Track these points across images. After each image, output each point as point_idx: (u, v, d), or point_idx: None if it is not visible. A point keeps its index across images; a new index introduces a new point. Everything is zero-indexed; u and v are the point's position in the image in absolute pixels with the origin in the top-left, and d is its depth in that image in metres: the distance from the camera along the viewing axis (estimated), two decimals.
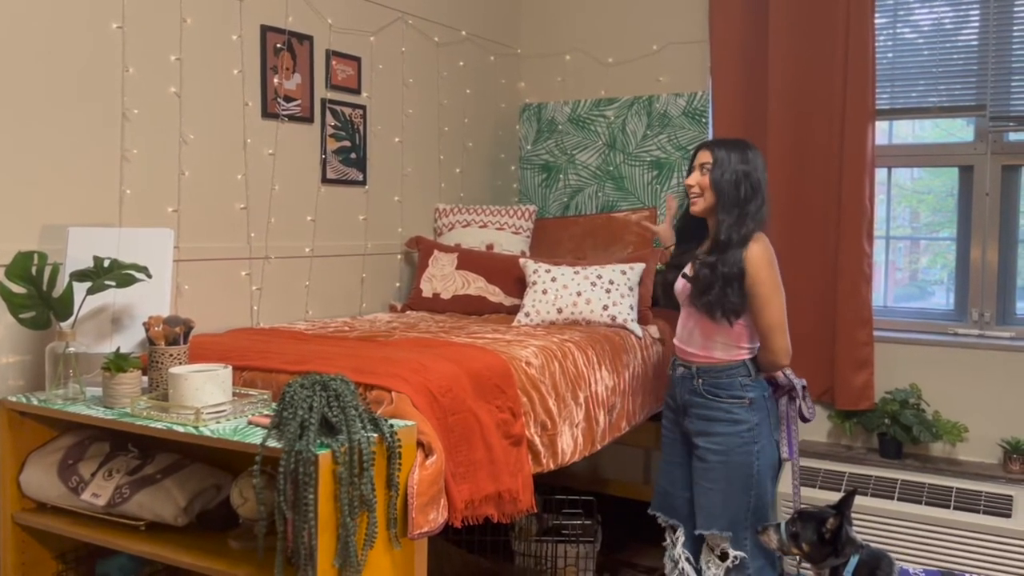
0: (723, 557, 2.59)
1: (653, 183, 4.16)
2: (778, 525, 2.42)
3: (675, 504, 2.75)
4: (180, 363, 2.19)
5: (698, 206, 2.63)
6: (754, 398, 2.57)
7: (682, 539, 2.73)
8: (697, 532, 2.63)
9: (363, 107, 3.54)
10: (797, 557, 2.54)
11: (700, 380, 2.61)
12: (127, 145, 2.68)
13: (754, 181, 2.56)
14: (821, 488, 3.39)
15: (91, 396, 2.25)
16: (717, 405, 2.58)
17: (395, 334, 2.86)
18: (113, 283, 2.26)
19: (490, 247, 3.81)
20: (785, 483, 3.30)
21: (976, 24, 3.52)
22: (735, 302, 2.52)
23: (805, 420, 2.79)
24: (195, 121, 2.88)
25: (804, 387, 2.75)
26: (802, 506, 2.61)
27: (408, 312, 3.57)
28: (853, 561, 2.35)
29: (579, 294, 3.21)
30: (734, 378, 2.58)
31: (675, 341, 2.74)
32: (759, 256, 2.51)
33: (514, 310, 3.41)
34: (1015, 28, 3.44)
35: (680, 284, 2.68)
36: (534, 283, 3.30)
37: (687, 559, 2.72)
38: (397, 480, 1.89)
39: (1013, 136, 3.53)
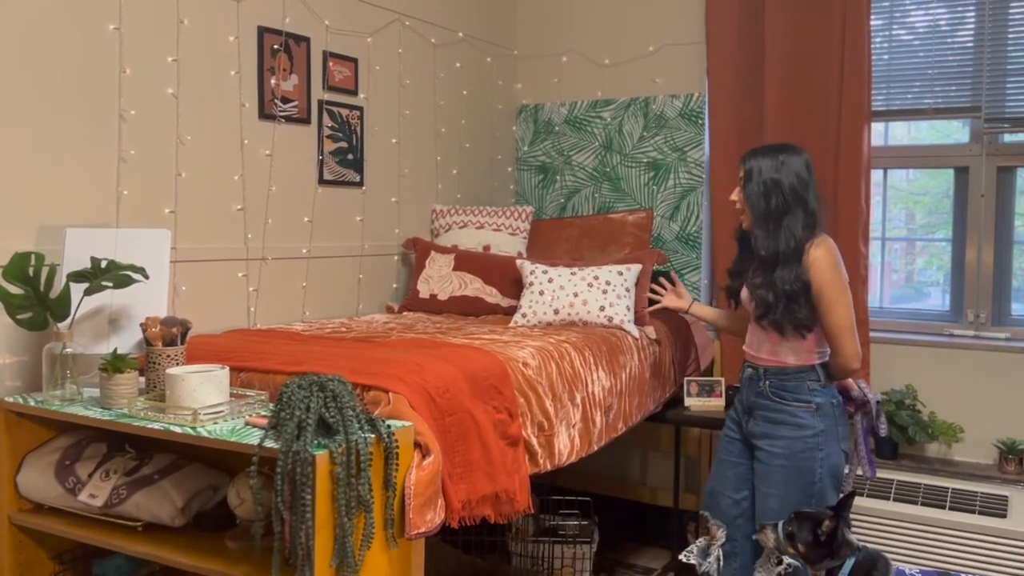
0: (778, 563, 2.54)
1: (650, 184, 4.16)
2: (775, 524, 2.42)
3: (721, 504, 2.69)
4: (177, 364, 2.19)
5: (745, 222, 2.59)
6: (821, 404, 2.50)
7: (721, 540, 2.67)
8: (754, 537, 2.54)
9: (360, 108, 3.55)
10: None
11: (767, 382, 2.55)
12: (124, 146, 2.68)
13: (787, 189, 2.48)
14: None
15: (88, 397, 2.26)
16: (783, 408, 2.52)
17: (392, 335, 2.87)
18: (110, 284, 2.27)
19: (487, 248, 3.82)
20: None
21: (971, 26, 3.54)
22: (802, 317, 2.47)
23: (877, 436, 2.73)
24: (192, 122, 2.88)
25: (879, 402, 2.69)
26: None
27: (405, 313, 3.57)
28: (849, 563, 2.35)
29: (576, 295, 3.21)
30: (802, 381, 2.52)
31: (744, 347, 2.68)
32: (821, 260, 2.45)
33: (511, 311, 3.41)
34: (1010, 30, 3.45)
35: (746, 294, 2.63)
36: (531, 284, 3.30)
37: (718, 559, 2.66)
38: (394, 480, 1.90)
39: (1008, 138, 3.54)
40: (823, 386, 2.52)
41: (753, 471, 2.63)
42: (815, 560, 2.36)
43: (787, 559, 2.52)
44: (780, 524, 2.40)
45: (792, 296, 2.46)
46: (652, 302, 3.13)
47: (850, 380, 2.63)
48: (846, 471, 2.69)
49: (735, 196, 2.60)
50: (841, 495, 2.50)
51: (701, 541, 2.77)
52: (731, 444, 2.71)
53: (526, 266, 3.39)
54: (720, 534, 2.68)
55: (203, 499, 2.21)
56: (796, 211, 2.49)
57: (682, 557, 2.78)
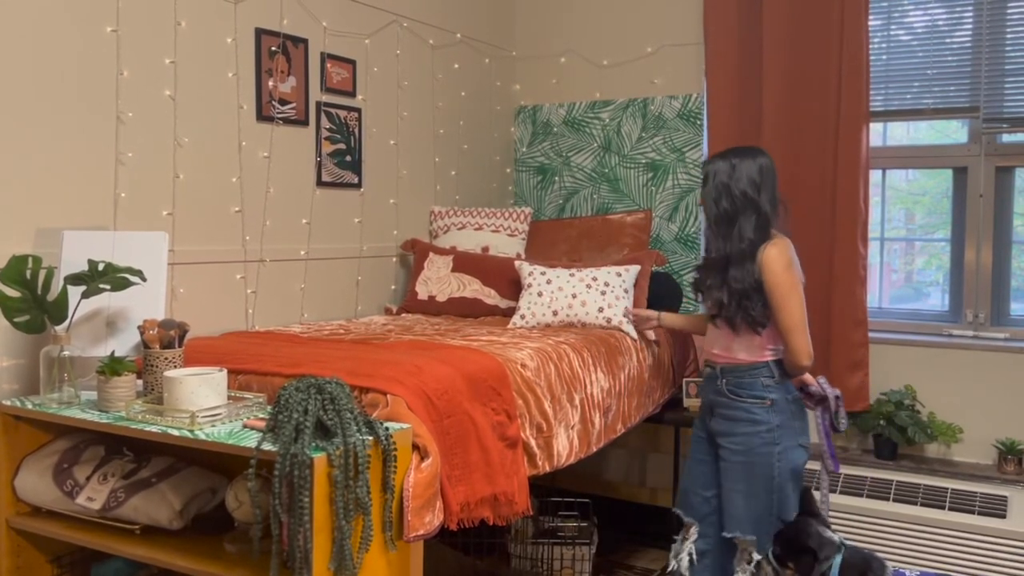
0: (748, 560, 2.59)
1: (648, 185, 4.16)
2: (766, 555, 2.46)
3: (693, 502, 2.77)
4: (175, 366, 2.19)
5: (705, 222, 2.74)
6: (776, 399, 2.57)
7: (693, 537, 2.73)
8: (723, 535, 2.62)
9: (358, 110, 3.55)
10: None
11: (724, 380, 2.63)
12: (122, 148, 2.68)
13: (737, 195, 2.56)
14: (816, 489, 3.39)
15: (86, 400, 2.25)
16: (739, 405, 2.60)
17: (391, 337, 2.86)
18: (108, 287, 2.26)
19: (486, 249, 3.81)
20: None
21: (970, 26, 3.53)
22: (756, 314, 2.54)
23: (836, 431, 2.78)
24: (190, 124, 2.88)
25: (838, 397, 2.74)
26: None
27: (404, 315, 3.57)
28: (837, 561, 2.35)
29: (574, 296, 3.21)
30: (756, 378, 2.59)
31: (704, 344, 2.78)
32: (773, 260, 2.52)
33: (510, 312, 3.41)
34: (1008, 30, 3.45)
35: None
36: (529, 285, 3.30)
37: (689, 554, 2.72)
38: (393, 483, 1.89)
39: (1007, 138, 3.54)
40: (777, 382, 2.59)
41: (719, 469, 2.68)
42: (807, 571, 2.37)
43: (755, 555, 2.56)
44: (769, 553, 2.44)
45: (744, 294, 2.54)
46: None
47: (809, 376, 2.69)
48: (831, 470, 2.79)
49: (701, 201, 2.70)
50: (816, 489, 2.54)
51: (675, 544, 2.81)
52: (699, 443, 2.78)
53: (524, 267, 3.38)
54: (693, 531, 2.75)
55: (201, 502, 2.21)
56: (747, 214, 2.57)
57: (672, 564, 2.80)
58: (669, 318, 3.12)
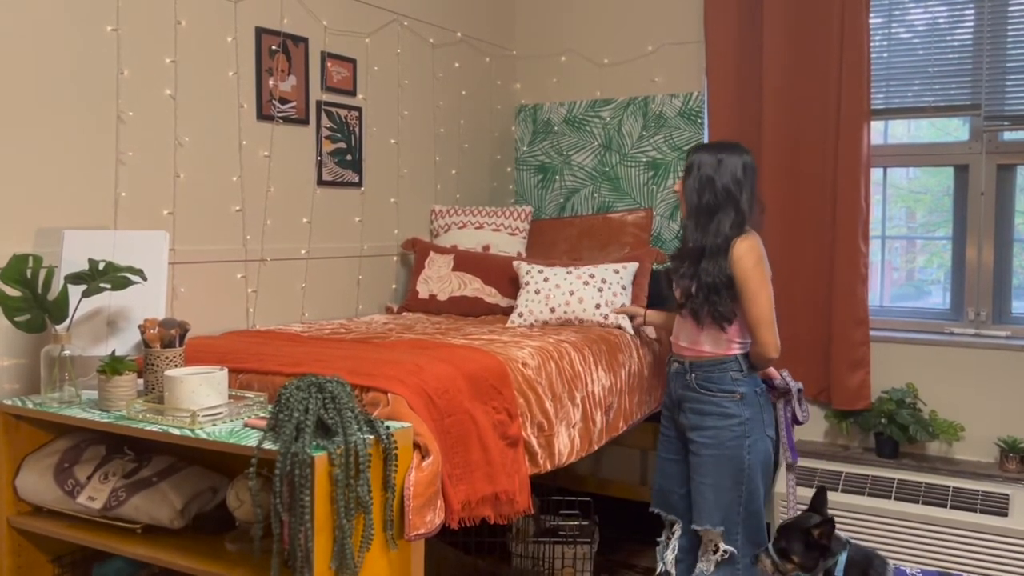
0: (714, 551, 2.61)
1: (649, 184, 4.16)
2: (766, 548, 2.45)
3: (671, 500, 2.80)
4: (176, 366, 2.19)
5: (681, 212, 2.73)
6: (745, 393, 2.61)
7: (678, 533, 2.77)
8: (692, 527, 2.66)
9: (359, 109, 3.54)
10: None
11: (693, 375, 2.65)
12: (122, 148, 2.68)
13: (720, 189, 2.58)
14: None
15: (87, 399, 2.25)
16: (709, 399, 2.62)
17: (391, 336, 2.86)
18: (108, 286, 2.26)
19: (486, 248, 3.81)
20: (780, 483, 3.31)
21: (971, 23, 3.53)
22: (723, 310, 2.57)
23: (797, 423, 2.84)
24: (190, 123, 2.88)
25: (800, 390, 2.80)
26: (781, 520, 2.63)
27: (404, 314, 3.57)
28: (841, 559, 2.35)
29: (572, 293, 3.21)
30: (726, 372, 2.61)
31: (671, 338, 2.80)
32: (745, 254, 2.56)
33: (511, 311, 3.40)
34: (1009, 28, 3.45)
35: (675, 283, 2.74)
36: (527, 283, 3.30)
37: (673, 550, 2.76)
38: (393, 482, 1.89)
39: (1008, 135, 3.53)
40: (746, 376, 2.62)
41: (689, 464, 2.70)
42: (811, 566, 2.37)
43: (723, 546, 2.58)
44: (770, 546, 2.43)
45: (714, 288, 2.57)
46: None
47: (772, 369, 2.75)
48: (790, 461, 2.85)
49: (677, 187, 2.73)
50: (816, 490, 2.55)
51: (661, 544, 2.84)
52: (668, 442, 2.81)
53: (522, 267, 3.38)
54: (676, 529, 2.78)
55: (202, 501, 2.21)
56: (727, 209, 2.59)
57: (660, 565, 2.82)
58: (653, 316, 3.13)
